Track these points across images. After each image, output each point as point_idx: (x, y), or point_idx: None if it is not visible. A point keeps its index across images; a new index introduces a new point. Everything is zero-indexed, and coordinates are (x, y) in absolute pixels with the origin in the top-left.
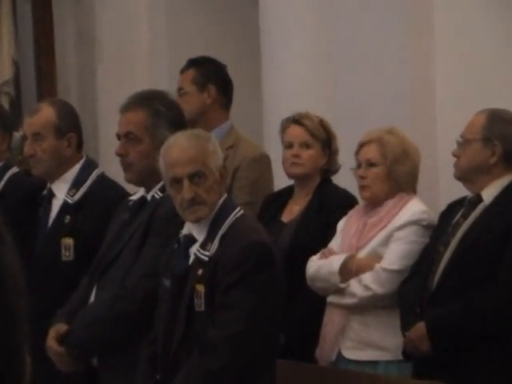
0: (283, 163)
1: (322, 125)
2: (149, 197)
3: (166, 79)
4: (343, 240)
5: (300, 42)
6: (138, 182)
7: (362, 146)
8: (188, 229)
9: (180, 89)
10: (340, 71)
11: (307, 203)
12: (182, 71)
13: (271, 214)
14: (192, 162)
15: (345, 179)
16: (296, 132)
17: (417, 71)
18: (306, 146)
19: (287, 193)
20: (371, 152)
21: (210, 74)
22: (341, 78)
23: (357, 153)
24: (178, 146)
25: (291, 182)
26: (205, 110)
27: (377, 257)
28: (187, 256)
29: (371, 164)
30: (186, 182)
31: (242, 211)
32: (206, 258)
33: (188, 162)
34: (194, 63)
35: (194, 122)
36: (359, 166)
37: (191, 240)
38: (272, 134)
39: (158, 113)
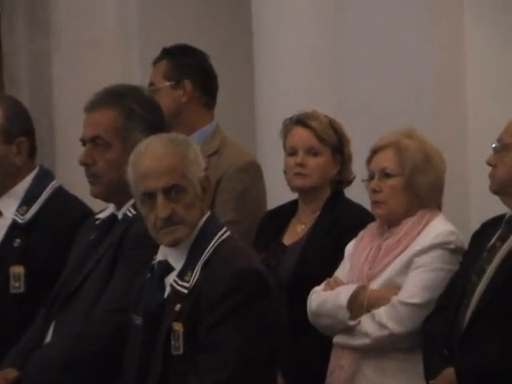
0: (285, 173)
1: (333, 126)
2: (120, 215)
3: (139, 71)
4: (352, 267)
5: (300, 25)
6: (107, 197)
7: (375, 152)
8: (163, 254)
9: (151, 84)
10: (348, 61)
11: (314, 222)
12: (154, 63)
13: (270, 235)
14: (168, 173)
15: (357, 192)
16: (301, 135)
17: (442, 59)
18: (313, 152)
19: (290, 209)
20: (386, 160)
21: (186, 67)
22: (349, 69)
23: (369, 161)
24: (150, 153)
25: (293, 195)
26: (180, 109)
27: (394, 288)
28: (162, 287)
29: (386, 174)
30: (160, 198)
31: (228, 232)
32: (185, 291)
33: (163, 172)
34: (166, 54)
35: (168, 124)
36: (372, 176)
37: (167, 268)
38: (267, 138)
39: (131, 113)
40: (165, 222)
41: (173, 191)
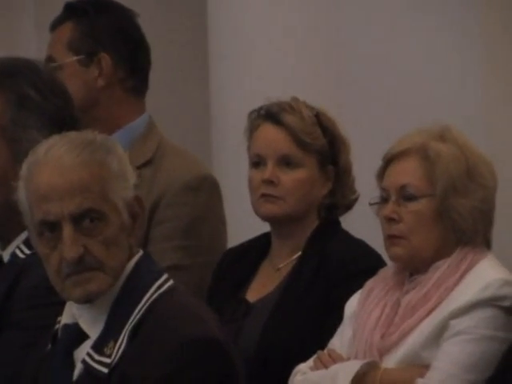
0: (251, 193)
1: (321, 123)
2: (6, 256)
3: (34, 38)
4: (357, 334)
5: None
6: None
7: (390, 161)
8: (71, 315)
9: (49, 59)
10: (347, 19)
11: (293, 267)
12: (54, 27)
13: (230, 286)
14: (79, 193)
15: (360, 221)
16: (270, 138)
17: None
18: (289, 162)
19: (259, 248)
20: (408, 173)
21: (102, 33)
22: (348, 32)
23: (381, 175)
24: (52, 163)
25: (265, 226)
26: (95, 97)
27: (419, 366)
28: (70, 365)
29: (408, 196)
30: (67, 229)
31: (170, 282)
32: (105, 370)
33: (71, 191)
34: (72, 12)
35: (79, 118)
36: (385, 198)
37: (77, 335)
38: (226, 138)
39: (24, 101)
40: (74, 266)
41: (86, 220)
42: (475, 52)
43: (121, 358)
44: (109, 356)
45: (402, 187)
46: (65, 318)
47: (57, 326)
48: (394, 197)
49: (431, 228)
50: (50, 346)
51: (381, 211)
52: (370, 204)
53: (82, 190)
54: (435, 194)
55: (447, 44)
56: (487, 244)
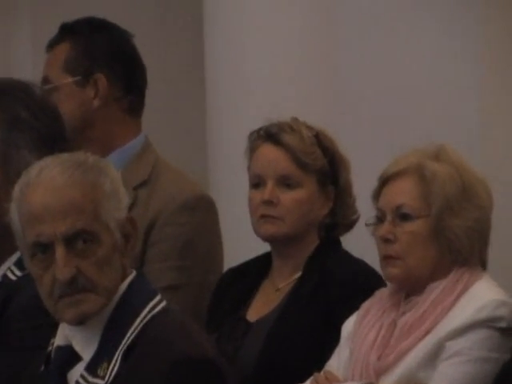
0: (251, 214)
1: (321, 143)
2: None
3: (30, 58)
4: (354, 355)
5: None
6: None
7: (386, 182)
8: (64, 336)
9: (45, 80)
10: (345, 38)
11: (293, 287)
12: (50, 47)
13: (230, 305)
14: (71, 213)
15: (361, 241)
16: (270, 158)
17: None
18: (289, 183)
19: (259, 267)
20: (403, 193)
21: (98, 53)
22: (347, 51)
23: (377, 195)
24: (45, 184)
25: (265, 246)
26: (91, 118)
27: None
28: None
29: (404, 216)
30: (60, 250)
31: (163, 303)
32: None
33: (64, 212)
34: (68, 32)
35: (72, 139)
36: (381, 218)
37: (70, 357)
38: (224, 159)
39: (16, 122)
40: (66, 287)
41: (79, 241)
42: (473, 58)
43: (114, 379)
44: (102, 377)
45: (398, 207)
46: (58, 340)
47: (50, 347)
48: (389, 217)
49: (427, 248)
50: (43, 367)
51: (376, 231)
52: (367, 224)
53: (75, 211)
54: (431, 214)
55: (445, 51)
56: (483, 264)
